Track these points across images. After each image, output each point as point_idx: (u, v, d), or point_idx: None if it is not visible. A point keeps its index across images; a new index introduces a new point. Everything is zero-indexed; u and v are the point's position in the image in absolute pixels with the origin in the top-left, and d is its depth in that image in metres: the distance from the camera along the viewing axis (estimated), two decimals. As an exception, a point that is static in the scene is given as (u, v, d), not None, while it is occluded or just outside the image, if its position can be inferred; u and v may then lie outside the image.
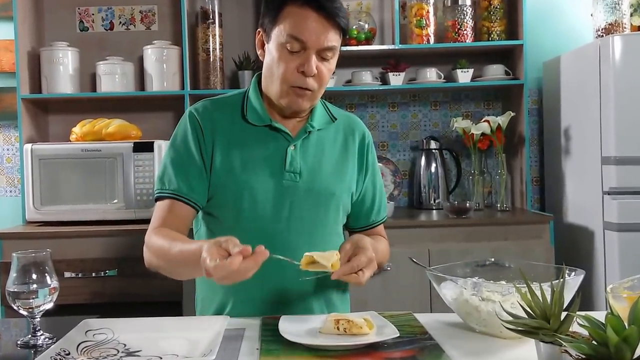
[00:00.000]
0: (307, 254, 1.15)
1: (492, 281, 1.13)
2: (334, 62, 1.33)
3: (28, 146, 2.43)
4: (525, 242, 2.39)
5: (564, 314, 0.83)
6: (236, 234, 1.11)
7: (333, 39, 1.28)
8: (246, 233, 1.21)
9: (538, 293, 0.85)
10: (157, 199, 1.36)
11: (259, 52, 1.37)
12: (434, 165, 2.76)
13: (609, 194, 2.32)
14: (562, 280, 0.86)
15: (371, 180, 1.47)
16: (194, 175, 1.33)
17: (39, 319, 1.09)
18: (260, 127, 1.36)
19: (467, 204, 2.47)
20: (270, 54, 1.31)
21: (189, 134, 1.35)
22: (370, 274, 1.21)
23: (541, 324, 0.82)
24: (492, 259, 1.41)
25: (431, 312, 2.22)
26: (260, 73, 1.39)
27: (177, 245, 1.22)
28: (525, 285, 0.86)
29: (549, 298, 0.84)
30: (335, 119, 1.44)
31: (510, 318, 0.87)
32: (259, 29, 1.36)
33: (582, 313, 0.76)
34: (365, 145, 1.46)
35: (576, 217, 2.57)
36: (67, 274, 2.24)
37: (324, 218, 1.37)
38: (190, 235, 1.38)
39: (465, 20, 2.66)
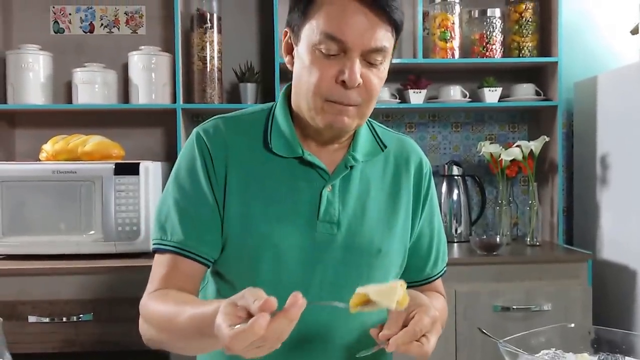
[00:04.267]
0: (359, 290, 0.87)
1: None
2: (385, 68, 1.02)
3: (-10, 166, 2.15)
4: (560, 282, 2.17)
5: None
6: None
7: (384, 37, 0.97)
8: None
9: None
10: (156, 251, 1.06)
11: (286, 60, 1.07)
12: (456, 192, 2.52)
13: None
14: None
15: (428, 221, 1.16)
16: (204, 221, 1.04)
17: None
18: (289, 160, 1.06)
19: (497, 239, 2.22)
20: (300, 59, 1.01)
21: (197, 165, 1.05)
22: (435, 341, 0.92)
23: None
24: (573, 324, 1.15)
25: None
26: (290, 85, 1.09)
27: (185, 311, 0.91)
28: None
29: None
30: (385, 147, 1.12)
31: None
32: (285, 29, 1.06)
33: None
34: (423, 177, 1.15)
35: (613, 254, 2.35)
36: (32, 319, 1.97)
37: (367, 283, 1.03)
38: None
39: (494, 34, 2.44)
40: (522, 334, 1.04)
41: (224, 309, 0.78)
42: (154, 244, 1.06)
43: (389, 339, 0.90)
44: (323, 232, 1.04)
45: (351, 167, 1.08)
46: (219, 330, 0.77)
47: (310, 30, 0.97)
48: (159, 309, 0.98)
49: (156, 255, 1.06)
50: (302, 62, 1.00)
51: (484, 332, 1.11)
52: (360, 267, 1.07)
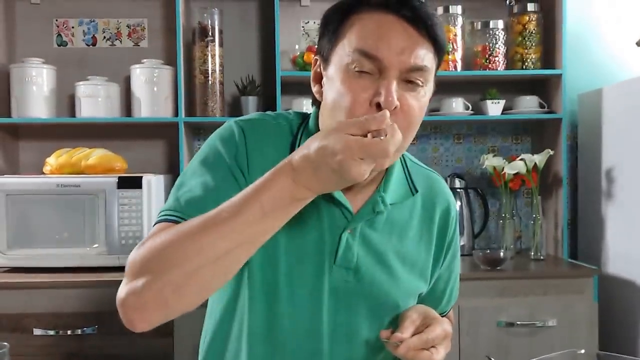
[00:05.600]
0: None
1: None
2: (426, 93, 0.90)
3: (-6, 179, 2.16)
4: (566, 298, 2.14)
5: None
6: (263, 345, 0.82)
7: (425, 56, 0.87)
8: (274, 347, 0.89)
9: None
10: (163, 222, 0.89)
11: (314, 89, 0.97)
12: (458, 205, 2.49)
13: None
14: None
15: (447, 266, 1.10)
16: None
17: None
18: None
19: (501, 254, 2.20)
20: (330, 83, 0.90)
21: (234, 164, 0.92)
22: (444, 355, 0.91)
23: None
24: (583, 350, 1.12)
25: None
26: (318, 112, 0.99)
27: (231, 200, 0.80)
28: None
29: None
30: (416, 191, 1.02)
31: None
32: (315, 57, 0.96)
33: None
34: (449, 223, 1.07)
35: (619, 268, 2.32)
36: (37, 331, 1.97)
37: (378, 332, 0.97)
38: (205, 304, 1.03)
39: (497, 46, 2.41)
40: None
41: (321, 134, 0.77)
42: (162, 215, 0.89)
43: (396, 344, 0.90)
44: (338, 278, 0.96)
45: (378, 212, 0.97)
46: (327, 136, 0.75)
47: (342, 50, 0.88)
48: (163, 237, 0.81)
49: (157, 225, 0.88)
50: (332, 85, 0.89)
51: None
52: (374, 318, 1.00)
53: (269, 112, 1.02)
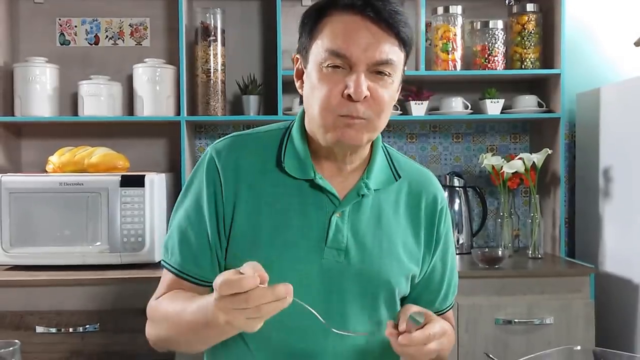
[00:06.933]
0: None
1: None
2: (394, 82, 1.01)
3: (-3, 177, 2.15)
4: (563, 296, 2.16)
5: None
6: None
7: (390, 50, 0.98)
8: (269, 330, 0.91)
9: None
10: (163, 266, 1.11)
11: (297, 85, 1.08)
12: (457, 203, 2.51)
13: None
14: None
15: (440, 257, 1.15)
16: (202, 249, 1.05)
17: None
18: (300, 182, 1.06)
19: (500, 253, 2.22)
20: (309, 80, 1.02)
21: (203, 190, 1.06)
22: (437, 348, 0.96)
23: None
24: (579, 347, 1.13)
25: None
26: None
27: (193, 303, 0.95)
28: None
29: None
30: (399, 177, 1.12)
31: None
32: (296, 55, 1.08)
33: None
34: (437, 212, 1.14)
35: (616, 267, 2.34)
36: (39, 329, 1.98)
37: (371, 312, 1.07)
38: None
39: (496, 46, 2.43)
40: (528, 357, 1.01)
41: (222, 274, 0.84)
42: (162, 260, 1.11)
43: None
44: (329, 259, 1.04)
45: (363, 195, 1.06)
46: (215, 284, 0.83)
47: (317, 50, 0.99)
48: (168, 306, 1.02)
49: (164, 270, 1.10)
50: (310, 82, 1.01)
51: (491, 357, 1.11)
52: (365, 297, 1.06)
53: (257, 128, 1.15)
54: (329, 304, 1.03)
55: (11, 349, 0.82)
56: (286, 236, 1.03)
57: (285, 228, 1.03)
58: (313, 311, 0.90)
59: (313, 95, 1.00)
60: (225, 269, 1.05)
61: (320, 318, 0.91)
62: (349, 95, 0.96)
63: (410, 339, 0.93)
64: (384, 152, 1.13)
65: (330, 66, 0.97)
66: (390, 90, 1.00)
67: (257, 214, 1.04)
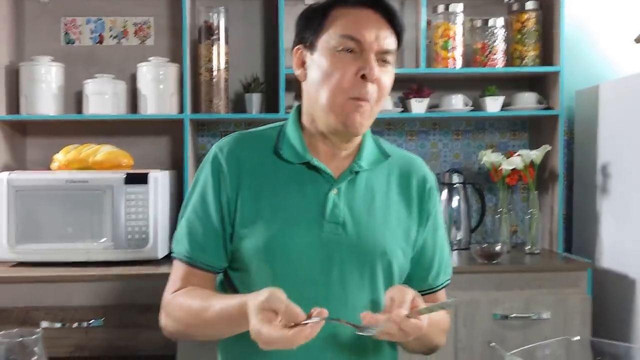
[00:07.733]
0: None
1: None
2: (392, 71, 1.14)
3: (3, 175, 2.17)
4: (560, 291, 2.19)
5: None
6: None
7: (391, 42, 1.12)
8: None
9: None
10: (173, 258, 1.20)
11: (297, 73, 1.17)
12: (456, 200, 2.54)
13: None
14: None
15: (431, 234, 1.23)
16: (209, 237, 1.15)
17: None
18: (296, 165, 1.16)
19: (498, 248, 2.25)
20: (317, 66, 1.12)
21: (208, 185, 1.16)
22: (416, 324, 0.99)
23: None
24: (578, 337, 1.16)
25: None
26: (300, 105, 1.21)
27: (212, 306, 1.06)
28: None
29: None
30: (389, 156, 1.22)
31: None
32: (297, 47, 1.17)
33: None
34: (426, 191, 1.23)
35: (613, 262, 2.36)
36: (45, 324, 2.00)
37: (371, 282, 1.15)
38: None
39: (496, 43, 2.45)
40: (528, 346, 1.05)
41: (256, 312, 0.93)
42: (171, 252, 1.20)
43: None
44: (328, 232, 1.12)
45: (356, 172, 1.16)
46: (259, 333, 0.92)
47: (328, 38, 1.10)
48: (187, 304, 1.11)
49: (174, 260, 1.19)
50: (320, 67, 1.10)
51: (495, 346, 1.14)
52: (364, 267, 1.14)
53: (257, 128, 1.24)
54: (330, 273, 1.12)
55: (34, 337, 0.85)
56: (287, 214, 1.12)
57: (286, 207, 1.13)
58: (343, 321, 0.99)
59: (324, 78, 1.09)
60: (232, 254, 1.15)
61: (349, 324, 1.00)
62: (362, 76, 1.07)
63: (402, 318, 0.98)
64: (373, 139, 1.24)
65: (344, 49, 1.08)
66: (390, 78, 1.13)
67: (259, 198, 1.13)
